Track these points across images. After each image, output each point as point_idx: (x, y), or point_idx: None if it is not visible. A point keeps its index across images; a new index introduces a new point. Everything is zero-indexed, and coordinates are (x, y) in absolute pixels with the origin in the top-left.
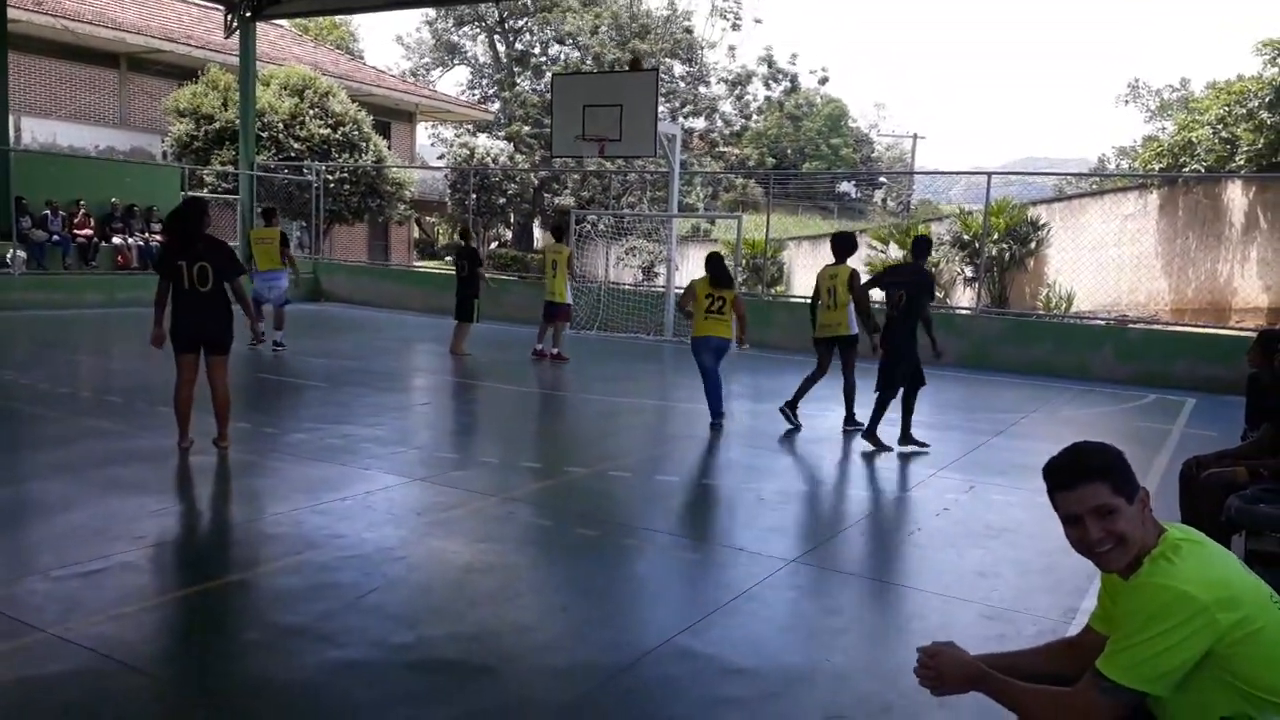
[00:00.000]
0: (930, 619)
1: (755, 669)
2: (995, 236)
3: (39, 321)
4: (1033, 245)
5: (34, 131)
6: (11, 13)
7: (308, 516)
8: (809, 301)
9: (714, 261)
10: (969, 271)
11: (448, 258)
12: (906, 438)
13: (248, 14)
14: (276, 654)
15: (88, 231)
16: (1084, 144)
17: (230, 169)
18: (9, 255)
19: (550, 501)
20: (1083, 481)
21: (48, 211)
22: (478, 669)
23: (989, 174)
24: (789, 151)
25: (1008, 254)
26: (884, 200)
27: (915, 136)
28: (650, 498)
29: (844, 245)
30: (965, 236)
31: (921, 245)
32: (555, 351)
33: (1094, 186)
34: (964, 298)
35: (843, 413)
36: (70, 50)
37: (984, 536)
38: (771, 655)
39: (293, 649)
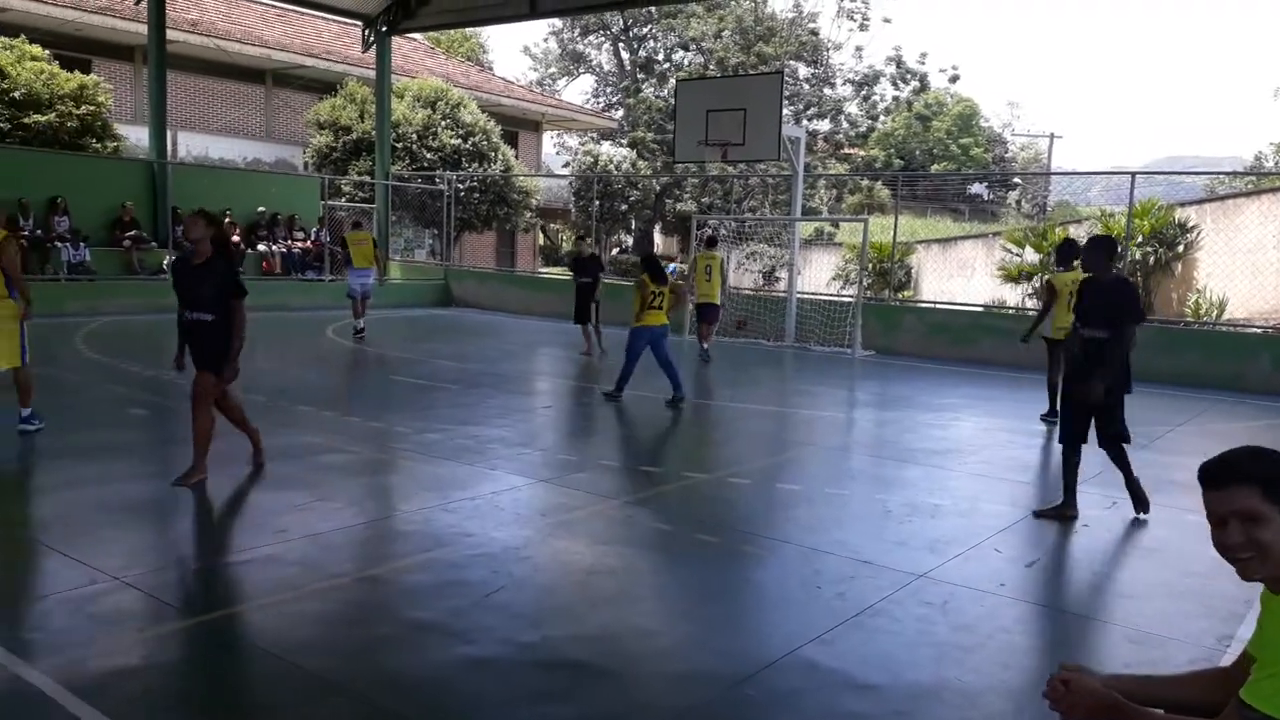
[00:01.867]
0: (1070, 641)
1: (881, 685)
2: (1139, 239)
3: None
4: (1180, 248)
5: (189, 145)
6: (169, 34)
7: (438, 515)
8: (1040, 310)
9: (651, 262)
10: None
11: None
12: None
13: (384, 29)
14: (409, 648)
15: (235, 239)
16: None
17: (367, 179)
18: (165, 262)
19: (670, 506)
20: (1234, 482)
21: None
22: (600, 671)
23: (1133, 174)
24: (917, 152)
25: (1153, 258)
26: (1018, 202)
27: (1052, 135)
28: (771, 506)
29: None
30: None
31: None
32: (705, 345)
33: (1250, 186)
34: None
35: (974, 421)
36: (221, 68)
37: (1128, 556)
38: (898, 671)
39: (424, 644)
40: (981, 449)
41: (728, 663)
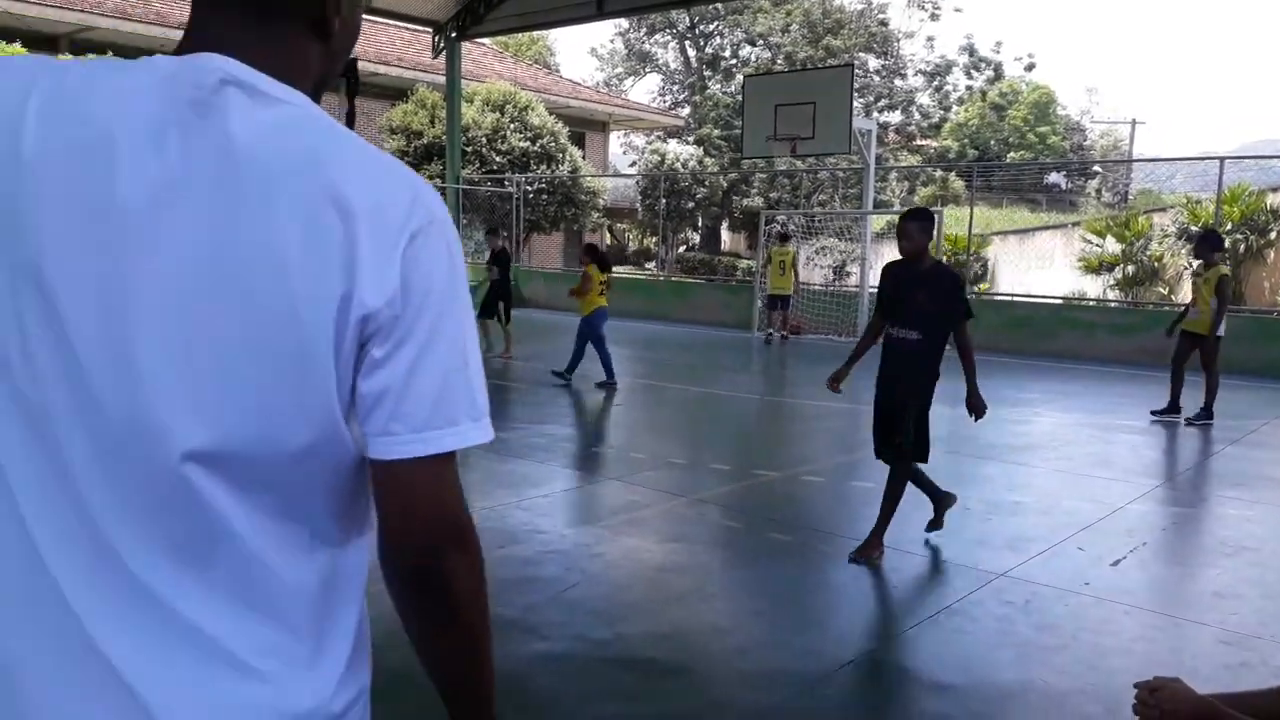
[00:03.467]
0: (1159, 641)
1: (962, 685)
2: (1228, 227)
3: None
4: (1273, 235)
5: None
6: None
7: (511, 511)
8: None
9: (598, 252)
10: (1198, 265)
11: (649, 265)
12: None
13: (453, 35)
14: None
15: None
16: None
17: (438, 182)
18: None
19: (741, 504)
20: None
21: None
22: (675, 669)
23: (1221, 159)
24: (992, 142)
25: (1243, 246)
26: (1098, 191)
27: (1134, 122)
28: (845, 504)
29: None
30: (1194, 228)
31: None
32: (785, 333)
33: None
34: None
35: (1055, 417)
36: None
37: (1219, 554)
38: (979, 672)
39: (500, 639)
40: (1063, 445)
41: (803, 662)
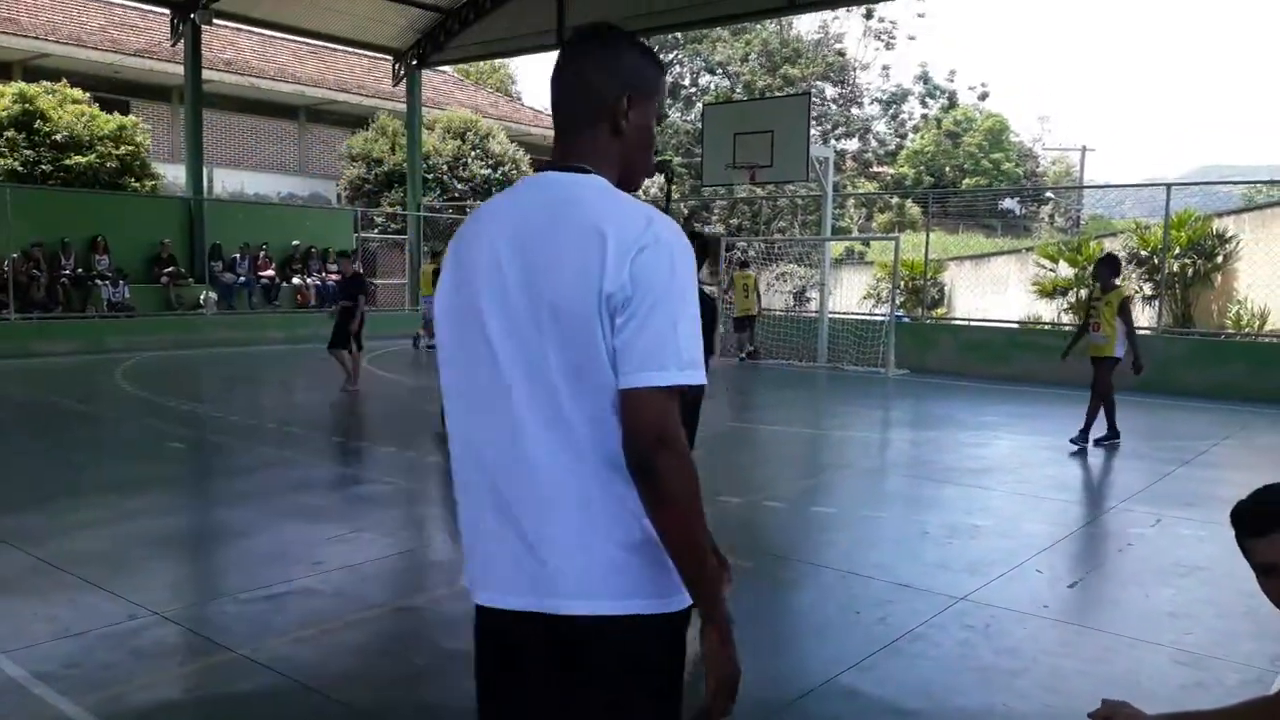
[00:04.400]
0: (1116, 663)
1: (924, 710)
2: (1176, 251)
3: (227, 357)
4: (1219, 259)
5: (225, 182)
6: (205, 74)
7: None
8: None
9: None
10: (1148, 289)
11: None
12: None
13: (414, 62)
14: (445, 679)
15: (270, 273)
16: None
17: (399, 210)
18: (202, 297)
19: None
20: (1277, 529)
21: (236, 255)
22: None
23: (1168, 185)
24: (947, 169)
25: (1191, 270)
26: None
27: (1084, 149)
28: (807, 529)
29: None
30: (1143, 252)
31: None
32: (751, 350)
33: None
34: (1143, 317)
35: (1013, 439)
36: (256, 105)
37: (1174, 574)
38: (942, 697)
39: (460, 674)
40: (1020, 467)
41: (765, 690)
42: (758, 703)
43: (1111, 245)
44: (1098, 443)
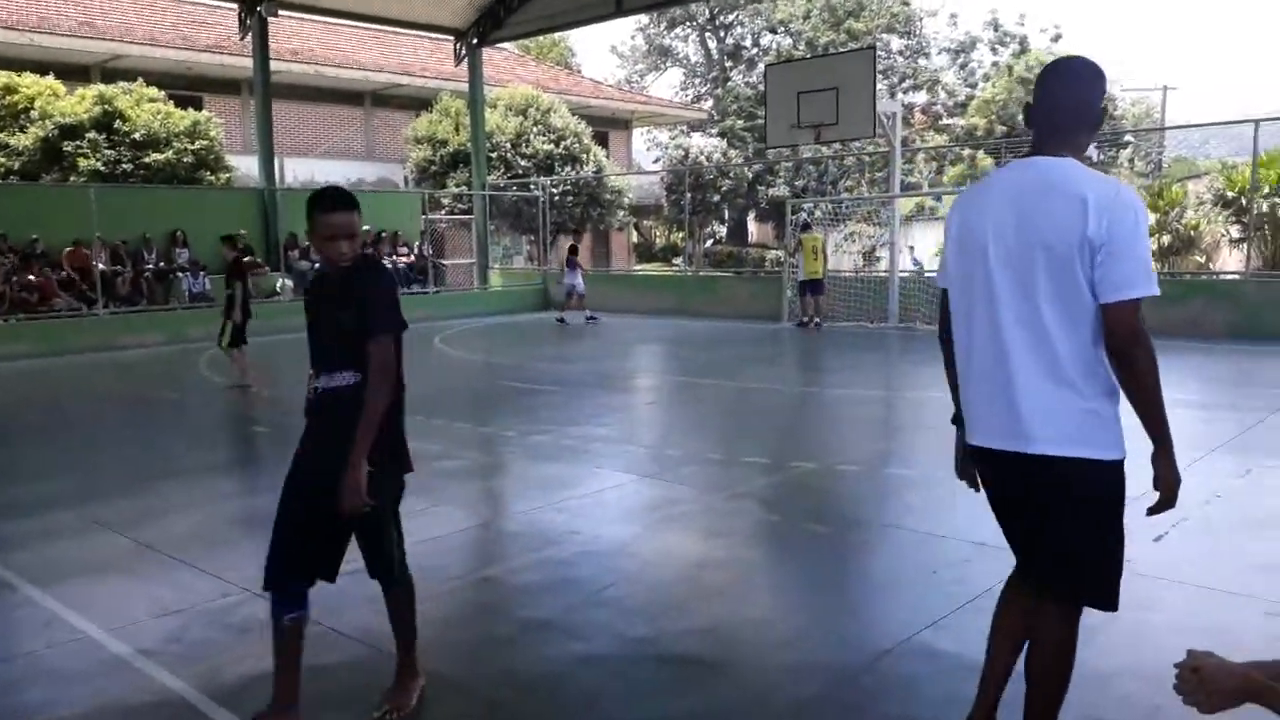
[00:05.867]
0: (1205, 616)
1: None
2: (1265, 191)
3: (304, 343)
4: None
5: (295, 170)
6: (273, 65)
7: (547, 514)
8: None
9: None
10: (1235, 232)
11: (676, 260)
12: None
13: (474, 41)
14: (524, 646)
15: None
16: None
17: (464, 189)
18: (279, 284)
19: (778, 497)
20: None
21: (309, 242)
22: (716, 664)
23: (1256, 121)
24: (1021, 117)
25: None
26: (1131, 160)
27: (1165, 88)
28: (882, 492)
29: None
30: (1230, 194)
31: None
32: (819, 321)
33: None
34: (1230, 261)
35: None
36: (322, 93)
37: (1266, 526)
38: (1022, 652)
39: (539, 642)
40: None
41: (844, 652)
42: (837, 666)
43: (1195, 188)
44: None
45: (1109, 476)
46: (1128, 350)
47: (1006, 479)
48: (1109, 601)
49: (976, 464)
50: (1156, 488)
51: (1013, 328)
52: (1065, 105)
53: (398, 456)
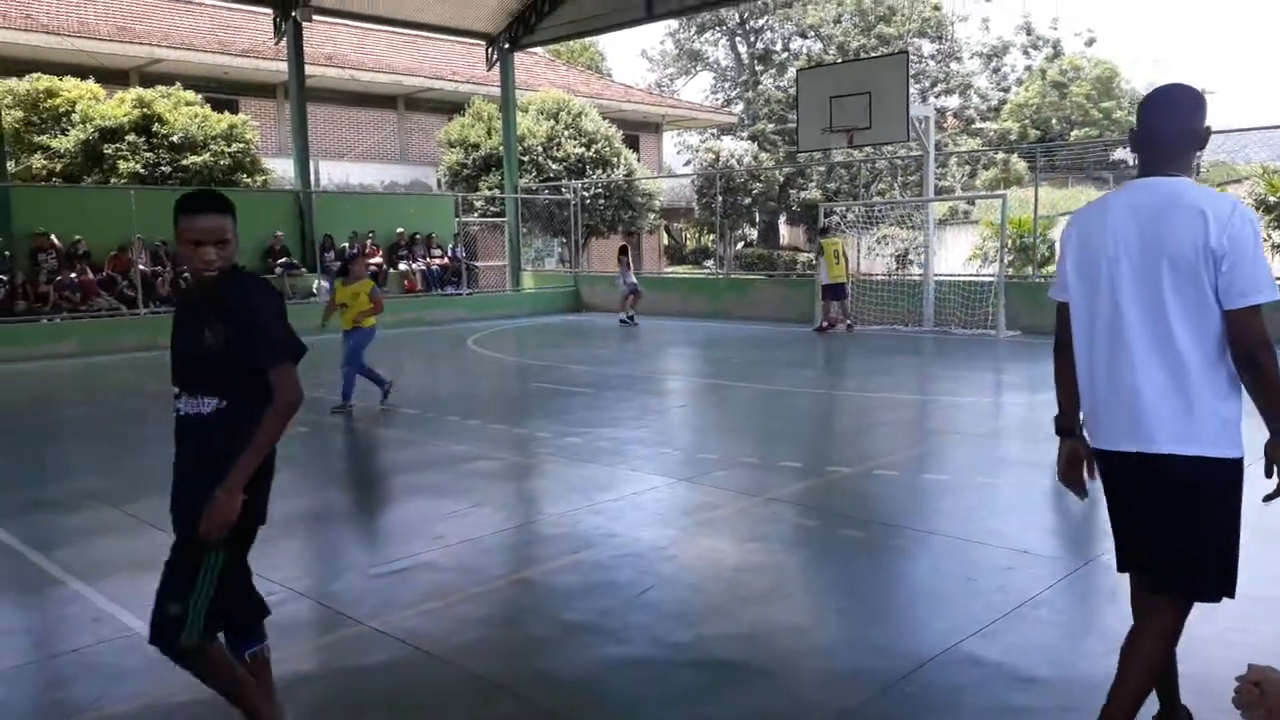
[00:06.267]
0: (1262, 627)
1: (1049, 678)
2: None
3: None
4: None
5: (330, 173)
6: (307, 70)
7: (584, 516)
8: None
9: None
10: (1277, 237)
11: (708, 263)
12: None
13: (506, 46)
14: (563, 649)
15: (378, 260)
16: None
17: (497, 193)
18: (315, 286)
19: (814, 501)
20: None
21: (346, 244)
22: (756, 670)
23: None
24: (1054, 121)
25: None
26: None
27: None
28: (919, 497)
29: None
30: (1271, 199)
31: None
32: (849, 322)
33: None
34: (1275, 266)
35: None
36: (356, 97)
37: None
38: (1067, 664)
39: (577, 644)
40: None
41: (885, 660)
42: (878, 674)
43: (1236, 191)
44: None
45: (1230, 474)
46: (1254, 353)
47: (1129, 480)
48: (1229, 591)
49: (1101, 467)
50: (1268, 475)
51: (1139, 335)
52: (1171, 134)
53: (263, 499)
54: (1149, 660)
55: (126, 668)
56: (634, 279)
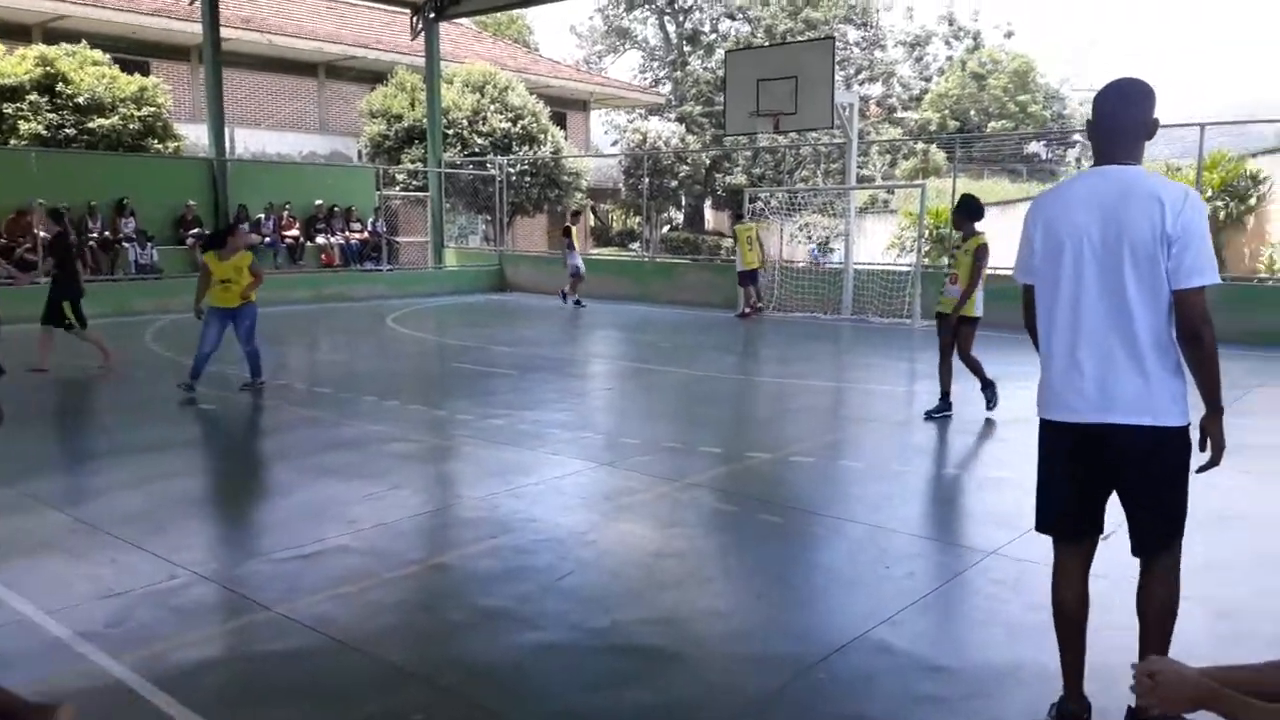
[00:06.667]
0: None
1: (956, 667)
2: (1209, 194)
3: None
4: (1252, 201)
5: (246, 141)
6: (223, 32)
7: (503, 500)
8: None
9: (215, 239)
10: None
11: (633, 246)
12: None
13: (431, 15)
14: (481, 635)
15: (294, 233)
16: None
17: (420, 166)
18: None
19: (733, 487)
20: None
21: (261, 215)
22: (673, 655)
23: (1201, 125)
24: (973, 112)
25: (1223, 212)
26: (1078, 160)
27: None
28: (835, 484)
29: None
30: None
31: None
32: (760, 306)
33: None
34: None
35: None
36: (275, 63)
37: (1208, 525)
38: (973, 652)
39: (495, 630)
40: None
41: (799, 645)
42: (792, 659)
43: None
44: (928, 415)
45: (1181, 439)
46: (1199, 329)
47: (1088, 448)
48: (1179, 534)
49: (1052, 440)
50: (1202, 449)
51: (1100, 314)
52: (1126, 124)
53: None
54: (1170, 611)
55: (15, 654)
56: (579, 261)
